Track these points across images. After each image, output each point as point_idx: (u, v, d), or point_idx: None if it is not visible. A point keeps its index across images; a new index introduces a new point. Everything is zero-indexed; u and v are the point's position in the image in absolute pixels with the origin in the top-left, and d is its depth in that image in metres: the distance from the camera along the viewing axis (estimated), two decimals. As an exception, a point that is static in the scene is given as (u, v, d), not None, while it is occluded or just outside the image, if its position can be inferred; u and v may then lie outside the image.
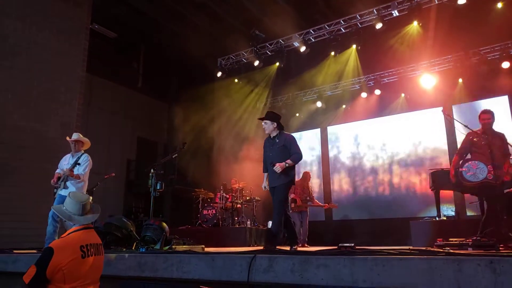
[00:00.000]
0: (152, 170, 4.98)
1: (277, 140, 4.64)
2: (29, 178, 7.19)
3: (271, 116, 4.76)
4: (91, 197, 2.74)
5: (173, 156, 5.86)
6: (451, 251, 3.00)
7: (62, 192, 5.18)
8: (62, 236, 2.67)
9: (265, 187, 4.75)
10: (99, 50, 11.52)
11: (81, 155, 5.30)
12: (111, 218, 4.41)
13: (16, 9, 7.39)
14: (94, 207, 2.78)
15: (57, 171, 5.40)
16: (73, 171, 5.09)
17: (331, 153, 11.57)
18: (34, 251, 4.67)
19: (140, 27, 12.42)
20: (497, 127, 5.03)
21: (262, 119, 4.81)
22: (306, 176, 8.27)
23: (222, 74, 11.98)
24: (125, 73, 13.79)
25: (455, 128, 9.29)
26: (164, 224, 3.96)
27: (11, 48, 7.27)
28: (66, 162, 5.38)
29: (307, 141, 12.10)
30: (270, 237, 4.54)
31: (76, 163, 5.16)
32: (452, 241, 4.09)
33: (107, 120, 13.01)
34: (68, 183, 5.18)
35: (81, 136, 5.44)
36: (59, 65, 7.92)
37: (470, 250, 3.53)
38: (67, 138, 5.41)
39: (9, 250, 4.62)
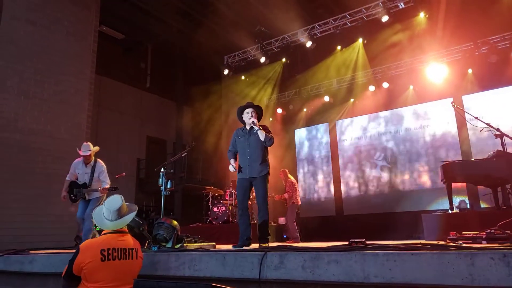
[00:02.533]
0: (162, 169, 5.04)
1: (255, 130, 4.58)
2: (41, 178, 7.31)
3: (255, 106, 4.79)
4: (123, 203, 2.80)
5: (183, 155, 5.90)
6: (464, 244, 2.98)
7: (87, 196, 5.48)
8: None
9: (233, 166, 4.63)
10: (107, 51, 11.61)
11: (95, 164, 5.54)
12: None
13: (27, 13, 7.49)
14: (129, 210, 2.87)
15: (68, 178, 5.63)
16: (105, 189, 5.36)
17: (340, 148, 11.53)
18: (51, 251, 4.75)
19: (146, 27, 12.47)
20: (507, 116, 4.96)
21: (244, 107, 4.74)
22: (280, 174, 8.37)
23: (228, 72, 11.99)
24: (133, 73, 13.88)
25: (466, 120, 9.21)
26: (175, 222, 4.00)
27: (22, 51, 7.38)
28: (80, 171, 5.59)
29: (316, 136, 12.08)
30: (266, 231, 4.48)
31: (93, 173, 5.44)
32: (465, 234, 4.05)
33: (116, 120, 13.13)
34: (91, 188, 5.44)
35: (91, 146, 5.61)
36: (69, 67, 8.01)
37: (483, 244, 3.50)
38: (79, 152, 5.59)
39: (26, 250, 4.70)
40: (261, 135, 4.48)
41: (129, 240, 2.81)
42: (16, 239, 6.58)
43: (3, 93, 7.07)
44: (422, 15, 9.00)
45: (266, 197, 4.51)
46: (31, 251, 4.68)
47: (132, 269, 2.76)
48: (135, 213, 2.91)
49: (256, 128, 4.52)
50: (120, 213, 2.78)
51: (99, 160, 5.66)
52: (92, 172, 5.49)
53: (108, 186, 5.44)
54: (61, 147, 7.68)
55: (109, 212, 2.76)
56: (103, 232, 2.79)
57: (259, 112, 4.77)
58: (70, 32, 8.10)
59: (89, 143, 5.70)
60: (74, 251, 2.73)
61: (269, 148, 4.71)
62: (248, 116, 4.65)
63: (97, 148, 5.68)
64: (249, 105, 4.78)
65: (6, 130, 7.01)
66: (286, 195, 8.06)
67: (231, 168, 4.69)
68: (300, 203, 8.41)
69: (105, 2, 9.26)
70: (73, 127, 7.97)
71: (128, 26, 12.40)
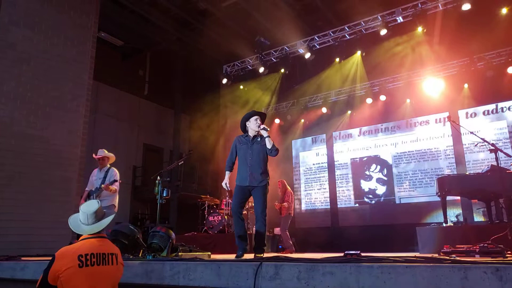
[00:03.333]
0: (158, 177, 5.03)
1: (259, 139, 4.56)
2: (35, 184, 7.25)
3: (261, 113, 4.78)
4: (99, 206, 2.72)
5: (180, 163, 5.90)
6: (457, 258, 2.99)
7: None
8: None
9: (226, 184, 4.60)
10: (105, 57, 11.65)
11: (108, 169, 5.80)
12: (118, 225, 4.44)
13: (25, 18, 7.50)
14: (106, 214, 2.78)
15: (87, 188, 5.92)
16: (108, 185, 5.53)
17: (337, 159, 11.56)
18: (42, 258, 4.71)
19: (146, 34, 12.55)
20: (502, 133, 5.02)
21: (252, 114, 4.71)
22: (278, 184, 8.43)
23: (227, 81, 12.06)
24: (131, 80, 13.92)
25: (461, 134, 9.28)
26: (171, 231, 3.98)
27: (20, 56, 7.37)
28: (95, 177, 5.86)
29: (313, 147, 12.11)
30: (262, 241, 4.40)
31: (105, 178, 5.64)
32: (459, 247, 4.07)
33: (113, 127, 13.11)
34: (102, 196, 5.63)
35: (106, 152, 5.94)
36: (67, 73, 8.00)
37: (477, 257, 3.52)
38: (93, 156, 5.90)
39: (17, 257, 4.65)
40: (269, 142, 4.45)
41: (109, 245, 2.70)
42: (8, 246, 6.50)
43: (0, 98, 7.05)
44: (420, 29, 9.12)
45: (265, 208, 4.41)
46: (23, 258, 4.64)
47: (112, 276, 2.64)
48: (112, 216, 2.79)
49: (266, 134, 4.48)
50: (96, 217, 2.68)
51: (114, 168, 5.88)
52: (105, 177, 5.70)
53: (116, 188, 5.57)
54: (56, 153, 7.65)
55: (86, 215, 2.66)
56: (81, 238, 2.66)
57: (264, 119, 4.79)
58: (68, 38, 8.11)
59: (104, 149, 6.00)
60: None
61: (268, 157, 4.67)
62: (256, 123, 4.60)
63: (112, 155, 5.97)
64: (257, 112, 4.75)
65: (1, 135, 6.97)
66: (286, 204, 8.08)
67: (224, 185, 4.65)
68: (293, 214, 8.44)
69: (105, 9, 9.32)
70: (69, 133, 7.93)
71: (127, 33, 12.47)
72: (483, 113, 9.46)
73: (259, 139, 4.55)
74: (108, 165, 5.92)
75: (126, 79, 13.61)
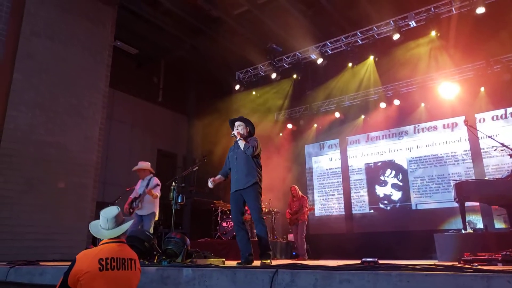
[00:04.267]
0: (173, 183, 5.07)
1: (237, 140, 4.62)
2: (52, 190, 7.36)
3: (245, 119, 4.81)
4: (119, 212, 2.76)
5: (194, 169, 5.95)
6: (479, 267, 2.92)
7: (139, 211, 6.09)
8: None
9: (210, 181, 4.70)
10: (121, 65, 11.80)
11: (150, 178, 6.23)
12: (134, 231, 4.47)
13: (45, 29, 7.66)
14: (125, 219, 2.82)
15: (132, 195, 6.32)
16: (151, 189, 5.95)
17: (350, 164, 11.47)
18: (60, 263, 4.77)
19: (160, 43, 12.69)
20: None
21: (234, 120, 4.83)
22: (290, 190, 8.38)
23: (240, 87, 12.11)
24: (146, 87, 14.06)
25: (479, 138, 9.13)
26: (186, 237, 3.99)
27: (39, 65, 7.52)
28: (139, 185, 6.32)
29: (327, 152, 12.05)
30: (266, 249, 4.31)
31: (147, 185, 6.07)
32: (480, 256, 3.98)
33: (128, 133, 13.25)
34: (144, 203, 6.07)
35: (143, 163, 6.43)
36: (84, 81, 8.14)
37: (499, 266, 3.43)
38: (133, 169, 6.43)
39: (36, 262, 4.71)
40: (241, 144, 4.53)
41: (128, 250, 2.73)
42: (25, 250, 6.60)
43: (20, 106, 7.19)
44: (433, 33, 9.02)
45: (259, 209, 4.38)
46: (41, 263, 4.70)
47: (130, 281, 2.66)
48: (131, 222, 2.85)
49: (237, 138, 4.57)
50: (116, 222, 2.73)
51: (155, 177, 6.27)
52: (147, 185, 6.12)
53: (157, 193, 5.97)
54: (73, 160, 7.76)
55: (106, 220, 2.72)
56: (101, 242, 2.71)
57: (248, 126, 4.80)
58: (85, 47, 8.26)
59: (142, 162, 6.52)
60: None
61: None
62: (234, 129, 4.73)
63: (147, 164, 6.43)
64: (238, 118, 4.86)
65: (21, 142, 7.10)
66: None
67: (209, 183, 4.73)
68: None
69: (120, 18, 9.46)
70: (86, 139, 8.04)
71: (142, 41, 12.63)
72: (501, 116, 9.30)
73: (237, 140, 4.64)
74: (151, 175, 6.33)
75: (140, 86, 13.76)
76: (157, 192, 6.08)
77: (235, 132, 4.66)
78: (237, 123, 4.78)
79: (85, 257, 2.55)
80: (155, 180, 6.19)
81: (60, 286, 2.54)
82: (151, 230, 5.87)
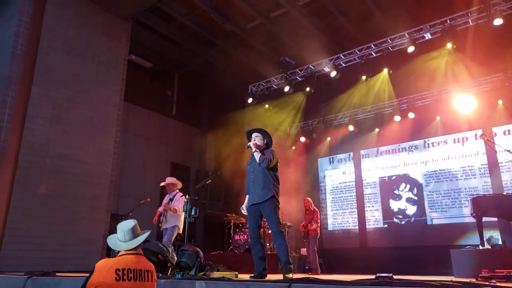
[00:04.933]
0: (187, 196, 5.09)
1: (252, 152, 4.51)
2: (68, 202, 7.46)
3: (263, 131, 4.72)
4: (135, 224, 2.82)
5: (207, 182, 5.97)
6: (498, 284, 2.85)
7: (164, 225, 6.31)
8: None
9: (243, 209, 4.56)
10: (135, 79, 12.00)
11: (175, 194, 6.42)
12: (147, 244, 4.48)
13: (63, 44, 7.87)
14: (142, 232, 2.88)
15: (160, 209, 6.54)
16: (169, 205, 6.22)
17: (364, 178, 11.36)
18: (76, 274, 4.80)
19: (174, 56, 12.89)
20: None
21: (251, 131, 4.72)
22: (304, 202, 8.34)
23: (253, 100, 12.17)
24: (160, 100, 14.25)
25: (496, 152, 8.96)
26: (199, 249, 3.99)
27: (56, 79, 7.70)
28: (165, 201, 6.52)
29: (340, 166, 11.96)
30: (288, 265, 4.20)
31: (171, 201, 6.34)
32: (498, 272, 3.87)
33: (142, 146, 13.39)
34: (168, 217, 6.28)
35: (171, 179, 6.65)
36: (99, 95, 8.29)
37: (518, 283, 3.33)
38: (160, 184, 6.74)
39: (53, 273, 4.76)
40: (257, 156, 4.42)
41: (145, 262, 2.79)
42: (41, 261, 6.67)
43: (37, 119, 7.35)
44: (449, 45, 8.93)
45: (279, 224, 4.30)
46: (57, 274, 4.74)
47: None
48: (148, 233, 2.89)
49: (253, 150, 4.49)
50: (133, 233, 2.79)
51: (180, 193, 6.46)
52: (171, 200, 6.36)
53: (175, 207, 6.14)
54: (88, 172, 7.87)
55: (123, 232, 2.79)
56: (119, 254, 2.78)
57: (266, 137, 4.70)
58: (101, 61, 8.44)
59: (171, 178, 6.76)
60: None
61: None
62: (250, 140, 4.64)
63: (177, 181, 6.61)
64: (253, 130, 4.76)
65: (38, 155, 7.24)
66: (315, 226, 7.97)
67: (241, 210, 4.62)
68: (320, 234, 8.31)
69: (135, 32, 9.67)
70: (101, 152, 8.16)
71: (156, 55, 12.85)
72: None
73: (252, 152, 4.53)
74: (177, 190, 6.51)
75: (154, 100, 13.95)
76: (179, 206, 6.19)
77: (251, 143, 4.57)
78: (254, 135, 4.68)
79: (103, 267, 2.61)
80: (178, 196, 6.39)
81: None
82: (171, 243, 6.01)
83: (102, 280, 2.54)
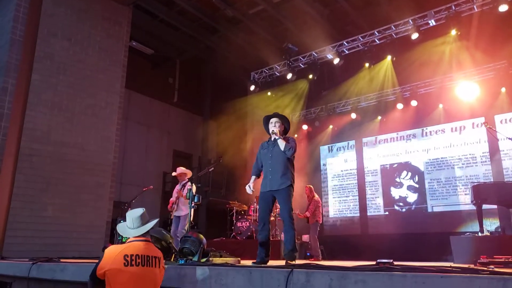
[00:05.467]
0: (193, 184, 5.13)
1: (275, 139, 4.45)
2: (70, 189, 7.52)
3: (283, 117, 4.62)
4: (143, 212, 2.95)
5: (210, 170, 5.99)
6: (496, 269, 2.88)
7: (176, 213, 6.56)
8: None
9: (249, 187, 4.54)
10: (136, 66, 11.96)
11: (186, 183, 6.56)
12: (151, 230, 4.51)
13: (63, 30, 7.82)
14: (150, 219, 3.00)
15: (172, 198, 6.78)
16: (181, 192, 6.45)
17: (366, 165, 11.37)
18: (80, 260, 4.87)
19: (175, 43, 12.82)
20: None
21: (269, 117, 4.60)
22: (305, 190, 8.38)
23: (255, 88, 12.11)
24: (161, 87, 14.22)
25: (498, 140, 8.94)
26: (202, 236, 4.03)
27: (57, 66, 7.68)
28: (178, 187, 6.73)
29: (342, 153, 11.97)
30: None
31: (183, 186, 6.56)
32: (497, 258, 3.91)
33: (144, 134, 13.42)
34: (180, 205, 6.52)
35: (182, 169, 6.83)
36: (100, 81, 8.27)
37: (517, 269, 3.37)
38: (172, 174, 6.97)
39: (57, 259, 4.83)
40: (281, 144, 4.35)
41: (153, 249, 2.89)
42: (45, 248, 6.76)
43: (39, 106, 7.36)
44: (453, 32, 8.83)
45: (291, 211, 4.32)
46: (62, 260, 4.80)
47: (154, 278, 2.79)
48: (156, 220, 3.02)
49: (277, 137, 4.41)
50: (141, 221, 2.90)
51: (189, 182, 6.51)
52: (183, 187, 6.59)
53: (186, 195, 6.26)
54: (90, 159, 7.90)
55: (131, 219, 2.90)
56: (128, 240, 2.89)
57: (285, 123, 4.63)
58: (102, 47, 8.38)
59: (181, 167, 6.93)
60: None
61: (294, 163, 4.60)
62: (271, 126, 4.53)
63: (183, 169, 6.77)
64: (274, 114, 4.66)
65: (40, 142, 7.27)
66: (307, 214, 7.99)
67: (247, 187, 4.59)
68: (321, 221, 8.34)
69: (136, 18, 9.58)
70: (103, 139, 8.18)
71: (157, 41, 12.77)
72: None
73: (276, 139, 4.46)
74: (187, 179, 6.61)
75: (156, 87, 13.91)
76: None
77: (275, 129, 4.45)
78: (274, 120, 4.56)
79: (112, 253, 2.73)
80: (188, 185, 6.45)
81: (91, 277, 2.80)
82: (186, 229, 6.12)
83: (111, 266, 2.65)
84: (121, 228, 2.97)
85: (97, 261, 2.80)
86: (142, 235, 2.87)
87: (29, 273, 4.40)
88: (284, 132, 4.63)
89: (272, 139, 4.52)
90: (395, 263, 3.08)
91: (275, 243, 6.79)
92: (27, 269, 4.46)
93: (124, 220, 3.00)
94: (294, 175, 4.50)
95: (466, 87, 9.55)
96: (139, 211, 2.95)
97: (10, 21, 7.18)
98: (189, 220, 4.84)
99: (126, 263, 2.65)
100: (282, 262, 4.17)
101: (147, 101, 13.65)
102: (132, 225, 2.89)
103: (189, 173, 6.74)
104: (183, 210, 6.47)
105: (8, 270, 4.81)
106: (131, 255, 2.68)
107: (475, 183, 6.09)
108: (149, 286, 2.72)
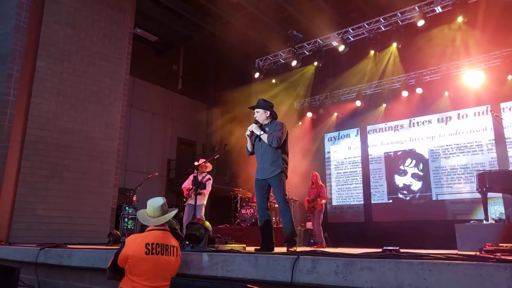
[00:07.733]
0: (195, 171, 5.14)
1: (267, 129, 4.40)
2: (76, 176, 7.57)
3: (262, 104, 4.51)
4: (164, 202, 3.02)
5: (215, 157, 6.01)
6: (502, 257, 2.88)
7: (191, 201, 6.59)
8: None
9: (250, 130, 4.48)
10: (140, 53, 11.91)
11: (205, 175, 6.73)
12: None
13: (67, 17, 7.78)
14: (169, 209, 3.08)
15: (184, 184, 6.95)
16: (205, 165, 6.56)
17: (370, 153, 11.35)
18: (87, 246, 4.92)
19: (179, 30, 12.72)
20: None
21: (253, 108, 4.54)
22: (311, 176, 8.39)
23: (259, 75, 12.05)
24: (165, 74, 14.18)
25: (504, 128, 8.88)
26: (208, 223, 4.05)
27: (62, 53, 7.66)
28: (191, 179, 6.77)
29: (346, 141, 11.95)
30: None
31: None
32: (502, 246, 3.92)
33: (148, 121, 13.44)
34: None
35: (203, 161, 6.79)
36: (104, 69, 8.25)
37: (522, 257, 3.37)
38: (195, 163, 6.91)
39: (64, 245, 4.89)
40: (265, 138, 4.33)
41: (171, 238, 2.95)
42: (51, 234, 6.84)
43: (44, 93, 7.37)
44: (460, 19, 8.72)
45: (285, 197, 4.31)
46: (68, 246, 4.86)
47: (172, 266, 2.87)
48: (176, 211, 3.08)
49: (258, 132, 4.36)
50: (162, 210, 2.97)
51: (208, 175, 6.86)
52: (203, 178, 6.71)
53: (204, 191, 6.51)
54: (95, 146, 7.93)
55: (152, 209, 2.96)
56: (147, 229, 2.94)
57: (268, 110, 4.47)
58: (106, 34, 8.34)
59: (203, 159, 6.97)
60: (111, 246, 2.85)
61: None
62: (254, 121, 4.48)
63: (209, 164, 6.77)
64: (255, 106, 4.54)
65: (45, 129, 7.30)
66: (323, 200, 8.04)
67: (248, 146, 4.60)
68: (324, 208, 8.39)
69: (140, 5, 9.50)
70: (107, 126, 8.19)
71: (161, 28, 12.69)
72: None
73: (267, 129, 4.41)
74: (206, 172, 6.79)
75: (160, 74, 13.89)
76: (208, 186, 6.64)
77: (253, 127, 4.39)
78: (255, 112, 4.50)
79: (133, 241, 2.79)
80: (207, 177, 6.76)
81: (111, 265, 2.83)
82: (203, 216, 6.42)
83: (132, 253, 2.71)
84: (142, 216, 3.02)
85: (103, 249, 2.83)
86: (161, 224, 2.94)
87: (37, 258, 4.46)
88: (272, 118, 4.53)
89: (258, 133, 4.45)
90: (402, 250, 3.09)
91: (278, 230, 6.80)
92: (34, 255, 4.52)
93: (131, 207, 3.05)
94: (287, 161, 4.45)
95: (472, 74, 9.46)
96: (160, 200, 3.01)
97: (14, 8, 7.15)
98: (194, 207, 4.87)
99: (147, 252, 2.71)
100: (285, 249, 4.20)
101: (151, 88, 13.64)
102: (153, 214, 2.96)
103: (210, 167, 6.89)
104: (199, 200, 6.45)
105: (16, 256, 4.87)
106: (152, 244, 2.75)
107: (481, 171, 6.06)
108: (167, 274, 2.76)
